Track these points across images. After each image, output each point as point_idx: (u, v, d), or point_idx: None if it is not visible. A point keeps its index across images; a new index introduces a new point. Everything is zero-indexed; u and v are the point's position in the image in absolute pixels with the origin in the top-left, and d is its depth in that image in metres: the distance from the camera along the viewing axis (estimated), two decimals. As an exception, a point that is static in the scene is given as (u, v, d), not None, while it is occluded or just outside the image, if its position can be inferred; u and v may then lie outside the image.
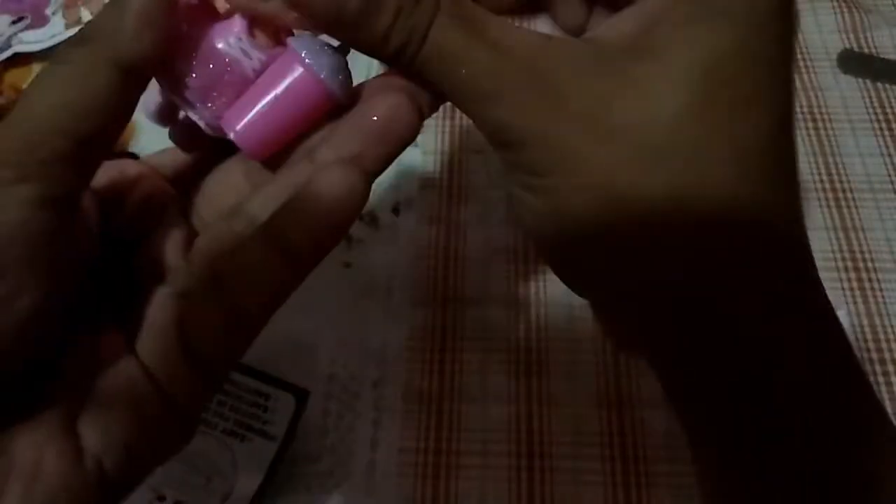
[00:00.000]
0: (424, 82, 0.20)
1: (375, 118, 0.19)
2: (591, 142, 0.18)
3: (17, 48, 0.51)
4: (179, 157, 0.23)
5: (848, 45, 0.50)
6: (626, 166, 0.18)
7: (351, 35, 0.19)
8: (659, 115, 0.17)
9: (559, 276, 0.21)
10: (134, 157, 0.44)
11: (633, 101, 0.18)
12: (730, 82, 0.17)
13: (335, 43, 0.20)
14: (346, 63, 0.20)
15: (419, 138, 0.47)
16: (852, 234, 0.43)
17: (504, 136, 0.19)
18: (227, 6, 0.19)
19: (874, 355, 0.39)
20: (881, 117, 0.47)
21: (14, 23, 0.51)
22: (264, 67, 0.20)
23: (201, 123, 0.20)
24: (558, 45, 0.19)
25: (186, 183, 0.22)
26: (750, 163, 0.18)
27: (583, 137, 0.18)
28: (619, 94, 0.18)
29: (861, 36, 0.51)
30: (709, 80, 0.17)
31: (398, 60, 0.19)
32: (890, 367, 0.39)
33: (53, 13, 0.52)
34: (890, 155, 0.46)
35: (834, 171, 0.45)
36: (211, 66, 0.19)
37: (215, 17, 0.20)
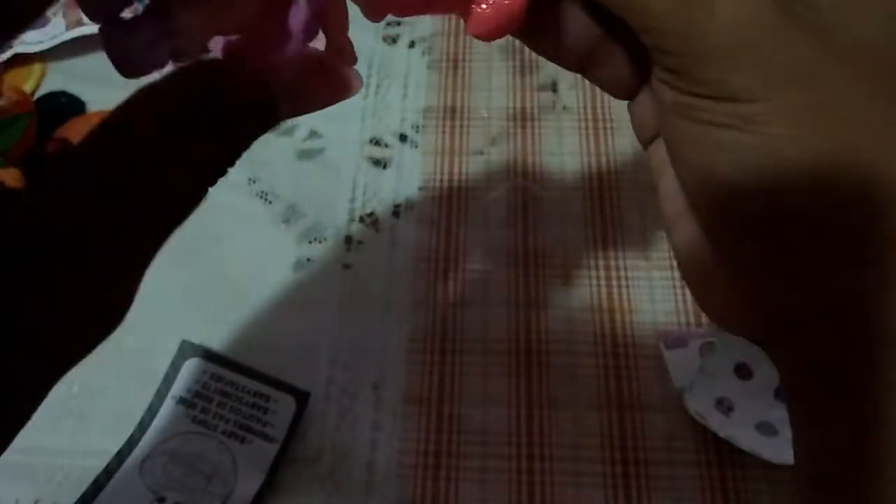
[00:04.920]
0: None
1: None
2: (828, 55, 0.16)
3: (18, 48, 0.51)
4: None
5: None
6: (866, 84, 0.16)
7: None
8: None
9: (724, 223, 0.18)
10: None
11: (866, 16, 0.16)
12: None
13: None
14: None
15: (419, 138, 0.47)
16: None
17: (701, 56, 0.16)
18: None
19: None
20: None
21: (14, 23, 0.51)
22: None
23: None
24: None
25: None
26: None
27: (818, 49, 0.16)
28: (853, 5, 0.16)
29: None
30: None
31: None
32: None
33: (54, 14, 0.52)
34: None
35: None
36: None
37: None
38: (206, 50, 0.16)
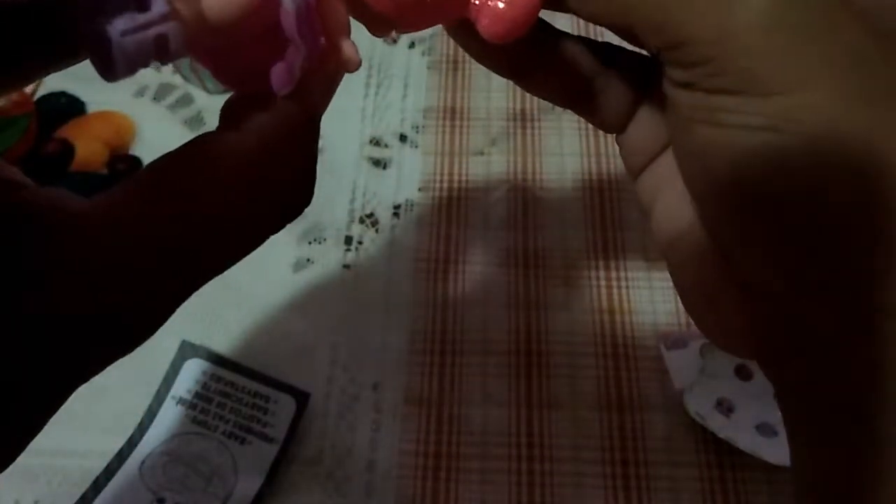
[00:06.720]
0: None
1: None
2: (876, 39, 0.14)
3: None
4: None
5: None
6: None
7: None
8: None
9: (736, 223, 0.16)
10: (137, 161, 0.44)
11: None
12: None
13: None
14: None
15: (419, 139, 0.47)
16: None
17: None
18: None
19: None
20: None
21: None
22: None
23: None
24: None
25: None
26: None
27: (865, 32, 0.14)
28: None
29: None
30: None
31: None
32: None
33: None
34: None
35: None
36: None
37: None
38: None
